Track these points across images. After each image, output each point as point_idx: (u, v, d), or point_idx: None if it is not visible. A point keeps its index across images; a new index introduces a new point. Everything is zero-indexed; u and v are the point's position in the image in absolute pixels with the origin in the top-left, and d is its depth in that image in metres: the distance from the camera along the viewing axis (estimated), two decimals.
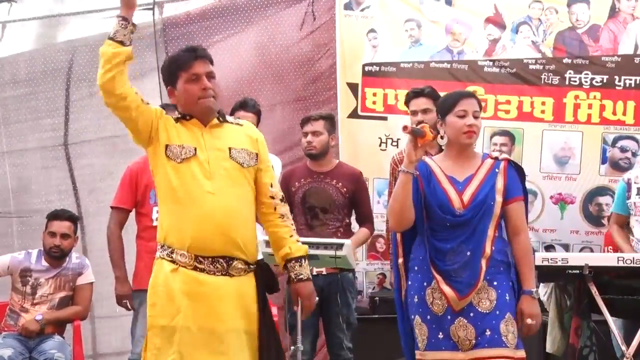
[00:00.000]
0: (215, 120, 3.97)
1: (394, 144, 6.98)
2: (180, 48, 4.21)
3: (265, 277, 4.01)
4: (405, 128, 3.98)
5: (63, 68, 7.35)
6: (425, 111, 5.93)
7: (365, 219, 6.15)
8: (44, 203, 6.95)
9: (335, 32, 7.20)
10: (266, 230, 4.27)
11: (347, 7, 7.17)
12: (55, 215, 6.26)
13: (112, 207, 5.69)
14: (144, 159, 5.60)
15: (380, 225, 6.44)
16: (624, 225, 6.00)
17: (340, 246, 5.42)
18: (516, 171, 4.15)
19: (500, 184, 4.08)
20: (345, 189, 6.04)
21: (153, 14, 7.25)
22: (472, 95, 4.27)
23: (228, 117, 4.08)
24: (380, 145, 7.08)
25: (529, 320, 4.02)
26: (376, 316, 6.58)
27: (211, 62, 4.08)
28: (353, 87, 7.15)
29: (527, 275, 4.08)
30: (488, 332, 3.96)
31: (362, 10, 7.19)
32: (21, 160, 7.17)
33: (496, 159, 4.16)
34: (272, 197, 4.08)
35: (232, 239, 3.88)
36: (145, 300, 5.43)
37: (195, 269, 3.86)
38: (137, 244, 5.64)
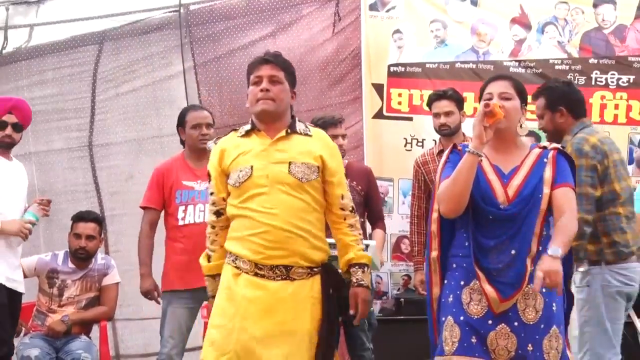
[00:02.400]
0: (282, 133, 3.99)
1: (419, 144, 6.97)
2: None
3: (331, 278, 4.05)
4: (487, 105, 3.80)
5: (89, 69, 7.36)
6: (447, 114, 5.93)
7: (378, 218, 6.16)
8: (69, 202, 6.92)
9: (361, 33, 7.21)
10: (334, 237, 4.31)
11: (373, 7, 7.19)
12: (81, 217, 6.30)
13: (141, 207, 5.70)
14: (171, 160, 5.72)
15: (405, 226, 6.42)
16: None
17: (365, 247, 5.40)
18: (567, 161, 3.98)
19: (548, 173, 3.91)
20: (360, 187, 6.05)
21: (179, 16, 7.26)
22: (502, 77, 4.15)
23: (299, 127, 4.06)
24: (405, 146, 7.06)
25: (539, 273, 3.63)
26: (401, 317, 6.60)
27: (283, 68, 4.09)
28: (378, 88, 7.14)
29: (557, 238, 3.75)
30: (530, 348, 3.78)
31: (388, 11, 7.19)
32: (47, 160, 7.16)
33: (545, 147, 4.01)
34: (342, 209, 4.12)
35: (290, 251, 3.93)
36: (173, 301, 5.48)
37: (255, 275, 3.94)
38: (166, 244, 5.66)
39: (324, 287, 4.05)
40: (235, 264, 4.03)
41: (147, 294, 5.61)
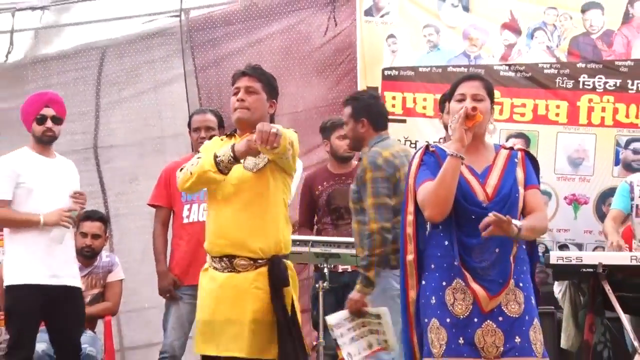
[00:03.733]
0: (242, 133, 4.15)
1: (413, 145, 6.88)
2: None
3: (276, 271, 4.07)
4: (474, 109, 3.74)
5: (93, 74, 7.42)
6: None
7: None
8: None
9: (356, 37, 7.24)
10: None
11: (368, 13, 7.21)
12: (87, 217, 6.30)
13: (149, 205, 5.82)
14: (181, 159, 5.75)
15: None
16: (621, 222, 6.01)
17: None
18: (532, 163, 3.98)
19: (520, 174, 3.91)
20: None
21: (180, 21, 7.33)
22: (474, 77, 4.09)
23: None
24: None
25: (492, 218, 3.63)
26: None
27: (260, 79, 4.22)
28: (373, 91, 6.86)
29: (527, 220, 3.80)
30: (518, 340, 3.74)
31: (382, 16, 7.22)
32: None
33: (511, 149, 3.98)
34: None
35: (232, 240, 4.05)
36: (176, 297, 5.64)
37: (213, 268, 4.14)
38: (171, 242, 5.78)
39: (270, 278, 4.08)
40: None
41: (167, 292, 5.69)
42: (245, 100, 4.13)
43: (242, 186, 4.07)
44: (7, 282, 5.50)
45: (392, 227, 4.91)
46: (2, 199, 5.47)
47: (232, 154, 3.94)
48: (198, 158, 4.09)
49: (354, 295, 4.81)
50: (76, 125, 7.22)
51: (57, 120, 5.63)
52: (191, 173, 4.01)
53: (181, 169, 4.13)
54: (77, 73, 7.40)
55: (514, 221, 3.71)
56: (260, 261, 4.06)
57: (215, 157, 3.97)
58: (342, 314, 5.33)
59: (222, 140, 4.27)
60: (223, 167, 3.95)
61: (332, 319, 5.32)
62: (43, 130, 5.56)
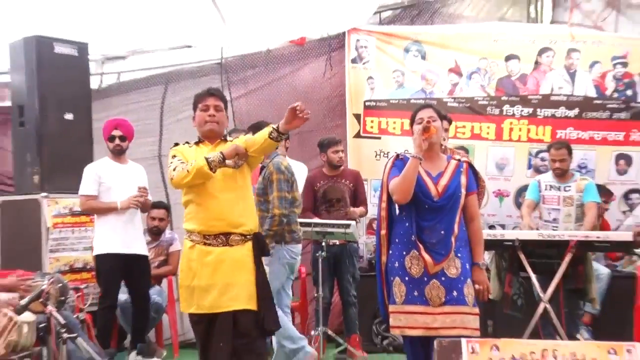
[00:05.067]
0: (218, 140, 3.92)
1: (385, 155, 6.98)
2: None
3: (260, 243, 3.91)
4: (428, 122, 3.80)
5: (158, 103, 7.38)
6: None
7: (362, 203, 6.23)
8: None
9: (346, 78, 7.19)
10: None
11: (354, 61, 7.17)
12: (154, 206, 6.32)
13: None
14: None
15: (375, 212, 6.04)
16: (533, 208, 6.05)
17: (348, 226, 5.67)
18: (473, 172, 3.97)
19: (463, 180, 3.88)
20: (351, 185, 6.18)
21: (220, 66, 7.25)
22: (428, 106, 4.05)
23: (229, 138, 4.02)
24: (375, 157, 7.09)
25: (477, 286, 3.84)
26: (373, 274, 6.05)
27: (218, 98, 3.96)
28: (357, 117, 7.16)
29: (478, 250, 3.89)
30: (455, 293, 3.76)
31: (364, 63, 7.19)
32: None
33: (459, 160, 3.95)
34: None
35: (228, 221, 3.82)
36: None
37: (204, 244, 3.83)
38: None
39: (254, 250, 3.88)
40: (190, 238, 3.90)
41: None
42: (215, 115, 3.89)
43: (228, 180, 3.82)
44: (95, 252, 5.66)
45: (288, 214, 4.98)
46: (91, 195, 5.61)
47: (222, 157, 3.71)
48: (181, 162, 3.78)
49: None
50: (146, 140, 7.25)
51: (123, 138, 5.72)
52: (188, 171, 3.70)
53: (174, 169, 3.78)
54: (147, 102, 7.38)
55: (480, 265, 3.86)
56: (248, 237, 3.86)
57: (207, 159, 3.70)
58: None
59: (190, 146, 3.96)
60: (214, 167, 3.69)
61: None
62: (113, 145, 5.69)
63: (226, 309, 3.79)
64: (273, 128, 3.70)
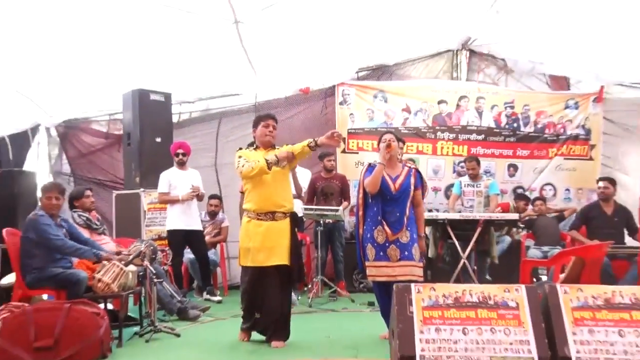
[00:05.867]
0: (270, 148, 3.85)
1: (361, 164, 6.73)
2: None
3: (295, 220, 3.83)
4: (389, 142, 3.77)
5: (214, 131, 7.28)
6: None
7: (347, 198, 6.18)
8: (207, 192, 6.35)
9: (335, 115, 7.13)
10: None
11: (341, 103, 7.13)
12: (212, 197, 6.46)
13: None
14: None
15: (355, 200, 5.62)
16: (456, 200, 6.04)
17: (337, 210, 5.69)
18: (419, 175, 3.91)
19: (412, 180, 3.83)
20: (340, 184, 6.17)
21: (255, 106, 7.12)
22: (388, 131, 3.99)
23: (277, 146, 3.91)
24: (355, 165, 7.02)
25: (421, 247, 3.82)
26: (353, 241, 5.26)
27: (275, 120, 3.86)
28: (343, 140, 6.10)
29: (421, 226, 3.84)
30: (406, 253, 3.72)
31: (347, 105, 7.14)
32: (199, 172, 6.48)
33: (410, 168, 3.93)
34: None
35: (274, 203, 3.72)
36: None
37: (257, 219, 3.73)
38: None
39: (291, 223, 3.77)
40: (248, 215, 3.76)
41: None
42: (272, 132, 3.83)
43: (275, 175, 3.72)
44: (167, 227, 5.67)
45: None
46: (165, 192, 5.60)
47: (276, 159, 3.64)
48: (246, 161, 3.64)
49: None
50: (206, 155, 7.19)
51: (184, 154, 5.68)
52: (253, 168, 3.58)
53: (242, 165, 3.62)
54: (207, 130, 7.29)
55: (422, 235, 3.77)
56: (287, 214, 3.77)
57: (267, 160, 3.62)
58: None
59: (250, 150, 3.82)
60: (270, 166, 3.62)
61: None
62: (178, 159, 5.67)
63: (272, 263, 3.73)
64: (312, 140, 3.61)
